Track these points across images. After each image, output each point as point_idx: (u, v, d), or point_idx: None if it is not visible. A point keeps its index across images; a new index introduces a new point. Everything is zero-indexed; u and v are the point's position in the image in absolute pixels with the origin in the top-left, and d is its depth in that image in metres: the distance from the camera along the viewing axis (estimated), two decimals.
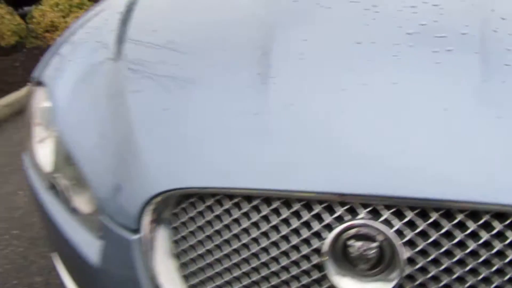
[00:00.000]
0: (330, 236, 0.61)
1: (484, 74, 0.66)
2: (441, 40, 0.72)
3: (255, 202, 0.65)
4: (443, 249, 0.59)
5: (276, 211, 0.64)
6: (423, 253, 0.60)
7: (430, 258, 0.60)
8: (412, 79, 0.67)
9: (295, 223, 0.63)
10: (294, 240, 0.63)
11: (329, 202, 0.62)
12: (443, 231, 0.59)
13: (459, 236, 0.58)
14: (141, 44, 0.97)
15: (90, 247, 0.82)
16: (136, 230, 0.72)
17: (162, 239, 0.72)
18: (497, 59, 0.68)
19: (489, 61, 0.68)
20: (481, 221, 0.58)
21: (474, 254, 0.59)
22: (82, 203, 0.87)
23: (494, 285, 0.59)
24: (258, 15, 0.91)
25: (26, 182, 2.31)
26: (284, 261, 0.65)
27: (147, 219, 0.71)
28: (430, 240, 0.59)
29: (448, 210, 0.58)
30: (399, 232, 0.60)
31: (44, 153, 1.03)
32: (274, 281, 0.66)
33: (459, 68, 0.68)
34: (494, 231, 0.58)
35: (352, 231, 0.61)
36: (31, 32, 4.58)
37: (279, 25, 0.83)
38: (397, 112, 0.64)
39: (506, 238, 0.57)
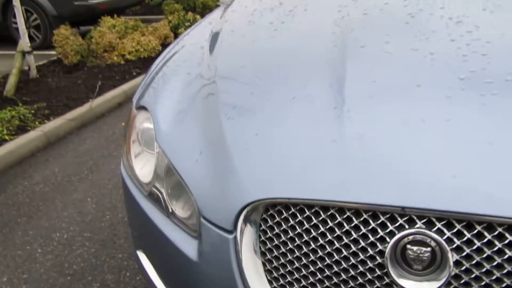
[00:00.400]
0: (391, 241, 0.77)
1: None
2: (488, 85, 0.87)
3: (330, 212, 0.82)
4: (484, 255, 0.73)
5: (348, 219, 0.81)
6: (468, 257, 0.75)
7: (473, 262, 0.74)
8: (463, 117, 0.83)
9: (363, 229, 0.79)
10: (362, 243, 0.79)
11: (392, 213, 0.77)
12: (485, 240, 0.73)
13: (498, 245, 0.73)
14: (228, 77, 1.16)
15: (187, 244, 1.00)
16: (231, 231, 0.90)
17: (251, 239, 0.90)
18: None
19: None
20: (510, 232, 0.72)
21: (510, 260, 0.73)
22: (179, 208, 1.06)
23: None
24: (332, 57, 1.07)
25: (96, 190, 2.56)
26: (353, 260, 0.81)
27: (240, 222, 0.89)
28: (474, 247, 0.74)
29: (489, 223, 0.73)
30: (449, 240, 0.75)
31: (140, 166, 1.22)
32: (344, 275, 0.82)
33: (503, 109, 0.83)
34: None
35: (410, 238, 0.76)
36: (91, 52, 4.95)
37: (350, 67, 1.00)
38: (449, 143, 0.79)
39: None
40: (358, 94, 0.92)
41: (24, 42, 4.16)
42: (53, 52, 5.13)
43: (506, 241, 0.72)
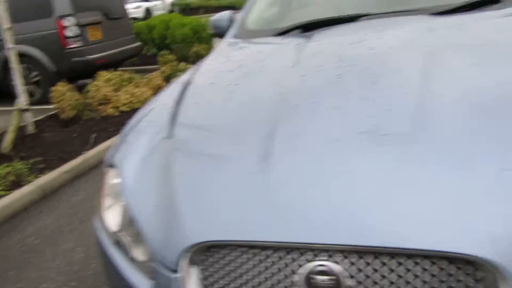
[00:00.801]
0: (302, 272, 0.92)
1: (412, 157, 0.97)
2: (383, 137, 1.03)
3: (255, 250, 0.97)
4: (372, 280, 0.88)
5: (267, 255, 0.96)
6: (360, 283, 0.89)
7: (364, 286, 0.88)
8: (362, 162, 0.99)
9: (280, 263, 0.94)
10: (279, 275, 0.94)
11: (301, 248, 0.93)
12: (372, 267, 0.88)
13: (383, 272, 0.88)
14: (183, 138, 1.33)
15: (145, 286, 1.14)
16: (177, 271, 1.04)
17: (195, 276, 1.04)
18: (421, 147, 0.99)
19: (415, 148, 0.99)
20: (394, 260, 0.87)
21: (392, 283, 0.87)
22: (139, 253, 1.20)
23: None
24: (270, 115, 1.24)
25: (86, 240, 2.68)
26: None
27: (184, 262, 1.03)
28: (363, 274, 0.88)
29: (376, 253, 0.88)
30: (345, 268, 0.89)
31: (110, 217, 1.37)
32: None
33: (394, 155, 0.99)
34: (403, 267, 0.87)
35: (317, 268, 0.91)
36: (87, 106, 5.19)
37: (281, 125, 1.17)
38: (349, 187, 0.95)
39: (409, 270, 0.87)
40: (283, 148, 1.09)
41: (22, 101, 4.40)
42: (52, 106, 5.36)
43: (389, 267, 0.88)
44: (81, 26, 6.36)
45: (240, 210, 1.01)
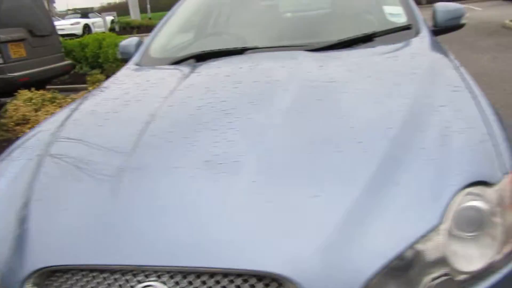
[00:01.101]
0: None
1: (239, 185, 1.08)
2: (221, 165, 1.15)
3: (94, 273, 1.04)
4: None
5: (104, 278, 1.02)
6: None
7: None
8: (199, 189, 1.09)
9: (115, 285, 1.01)
10: None
11: (134, 270, 1.01)
12: (194, 286, 0.97)
13: None
14: (50, 165, 1.37)
15: None
16: None
17: None
18: (249, 176, 1.10)
19: (244, 177, 1.10)
20: (212, 279, 0.97)
21: None
22: None
23: None
24: (131, 145, 1.32)
25: None
26: None
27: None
28: None
29: (197, 273, 0.97)
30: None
31: None
32: None
33: (228, 181, 1.10)
34: (219, 285, 0.96)
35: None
36: (2, 126, 4.99)
37: (137, 154, 1.26)
38: (177, 213, 1.04)
39: (224, 287, 0.96)
40: (131, 178, 1.18)
41: None
42: None
43: (206, 286, 0.98)
44: (1, 42, 6.15)
45: (80, 235, 1.08)
